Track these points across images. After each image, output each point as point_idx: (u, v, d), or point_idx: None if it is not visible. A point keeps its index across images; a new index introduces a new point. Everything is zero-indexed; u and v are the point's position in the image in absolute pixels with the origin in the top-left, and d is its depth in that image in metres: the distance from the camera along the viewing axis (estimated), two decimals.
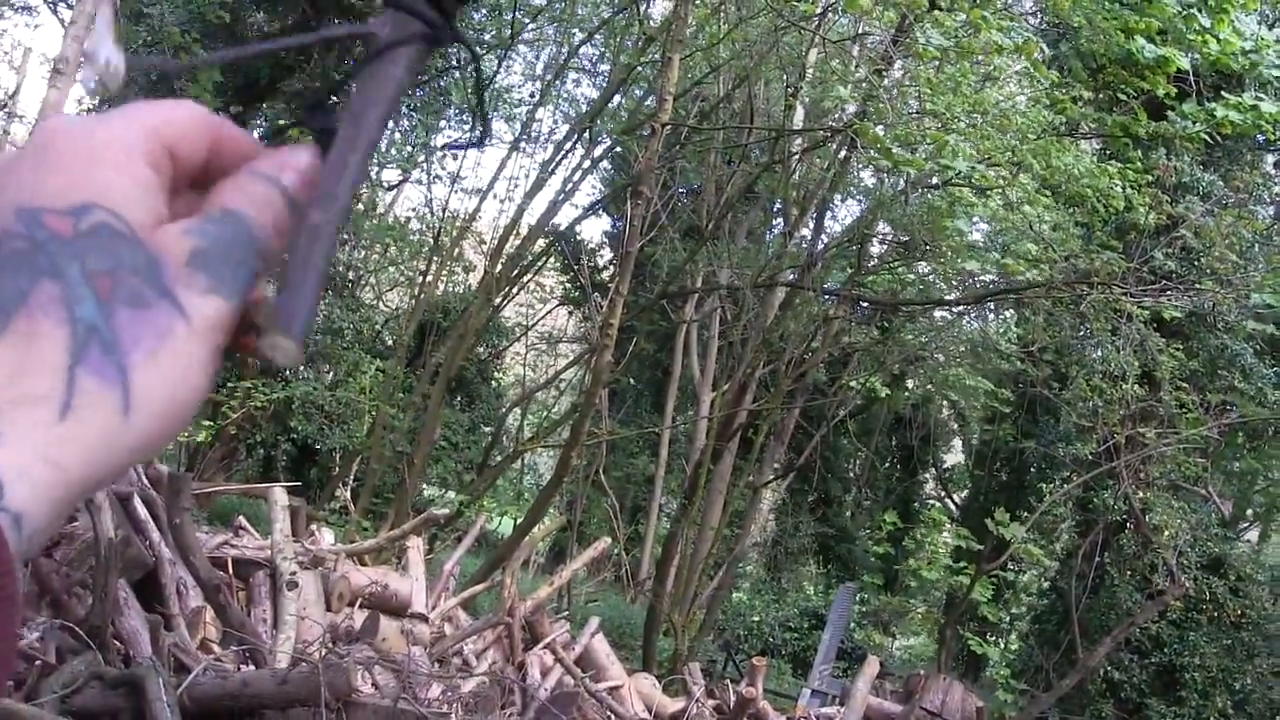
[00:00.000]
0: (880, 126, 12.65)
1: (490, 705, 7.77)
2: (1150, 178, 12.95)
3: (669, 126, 13.63)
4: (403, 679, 6.96)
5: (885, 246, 19.38)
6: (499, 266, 17.91)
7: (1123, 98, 12.13)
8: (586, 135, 19.64)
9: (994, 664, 23.95)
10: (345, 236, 20.45)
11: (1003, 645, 25.36)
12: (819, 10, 15.09)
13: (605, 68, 22.96)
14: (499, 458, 21.76)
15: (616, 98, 19.67)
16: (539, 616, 9.39)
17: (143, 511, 7.10)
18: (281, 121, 0.71)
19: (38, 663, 5.27)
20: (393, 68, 0.65)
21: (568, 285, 28.87)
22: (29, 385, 0.51)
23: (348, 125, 0.64)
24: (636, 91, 19.83)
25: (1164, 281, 14.02)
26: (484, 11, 22.10)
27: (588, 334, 26.14)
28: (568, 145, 19.35)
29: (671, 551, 16.17)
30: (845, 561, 28.88)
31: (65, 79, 7.99)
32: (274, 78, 18.15)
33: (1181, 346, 15.35)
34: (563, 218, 21.51)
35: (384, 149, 23.35)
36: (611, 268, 27.15)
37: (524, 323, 28.23)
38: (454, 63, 21.10)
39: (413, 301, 22.46)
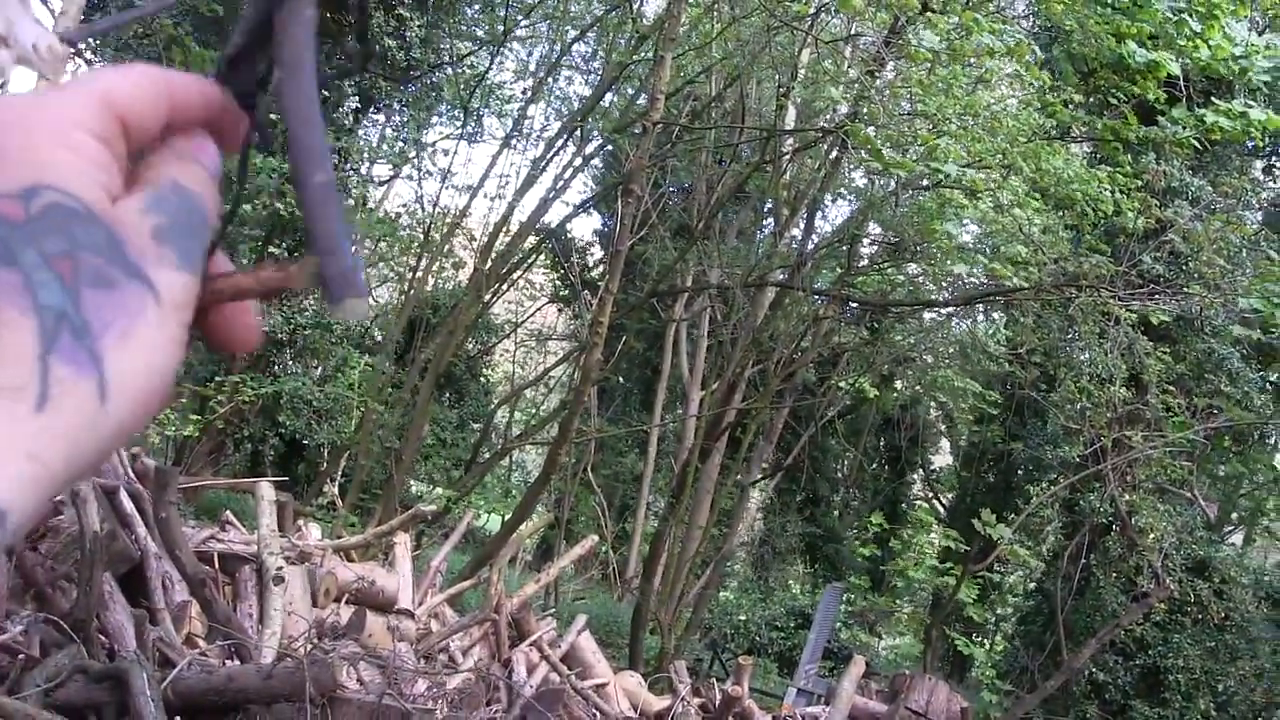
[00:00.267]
0: (871, 128, 12.66)
1: (475, 702, 7.77)
2: (1139, 182, 12.98)
3: (660, 125, 13.62)
4: (388, 675, 6.95)
5: (875, 247, 19.41)
6: (489, 263, 17.89)
7: (1113, 102, 12.17)
8: (578, 133, 19.63)
9: (979, 664, 24.01)
10: None
11: (988, 646, 25.43)
12: (812, 10, 15.10)
13: (597, 65, 22.97)
14: (487, 454, 21.74)
15: (608, 96, 19.66)
16: (525, 614, 9.38)
17: (129, 505, 7.08)
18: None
19: (21, 656, 5.26)
20: (306, 8, 0.62)
21: (557, 283, 28.88)
22: (3, 377, 0.50)
23: (293, 77, 0.61)
24: (628, 89, 19.83)
25: (1152, 285, 14.06)
26: (477, 7, 22.12)
27: (577, 331, 26.15)
28: (559, 143, 19.35)
29: (659, 550, 16.18)
30: (832, 561, 28.95)
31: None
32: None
33: (1169, 350, 15.39)
34: (553, 215, 21.51)
35: (375, 144, 23.35)
36: (601, 266, 27.17)
37: (513, 320, 28.22)
38: (446, 58, 21.11)
39: (402, 297, 22.44)
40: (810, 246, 17.61)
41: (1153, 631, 18.61)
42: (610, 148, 22.05)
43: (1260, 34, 11.79)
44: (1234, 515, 28.21)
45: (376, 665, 7.17)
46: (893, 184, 15.38)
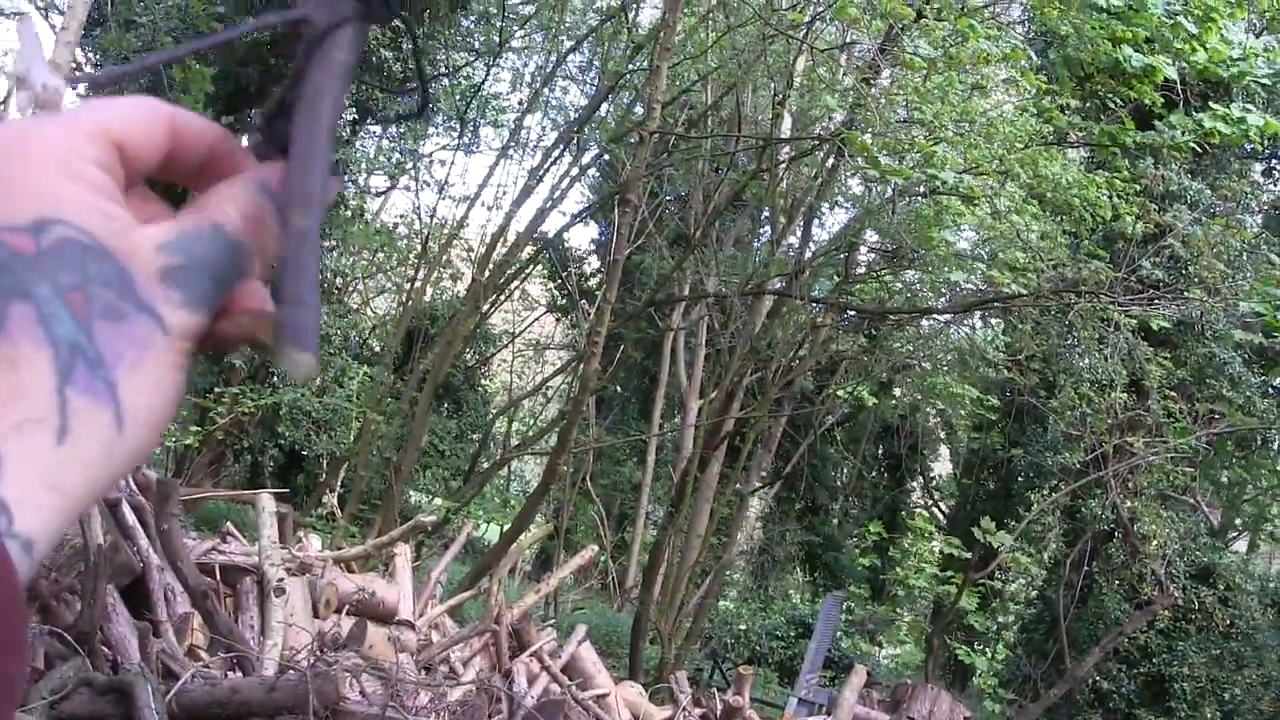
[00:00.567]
0: (868, 135, 12.66)
1: (477, 713, 7.74)
2: (1138, 186, 12.99)
3: (657, 135, 13.63)
4: (390, 687, 6.93)
5: (873, 255, 19.42)
6: (487, 273, 17.89)
7: (1110, 106, 12.16)
8: (574, 143, 19.64)
9: (981, 673, 23.93)
10: (333, 242, 20.43)
11: (990, 655, 25.37)
12: (807, 19, 15.13)
13: (593, 75, 22.99)
14: (486, 465, 21.72)
15: (604, 105, 19.68)
16: (525, 624, 9.36)
17: (131, 517, 7.06)
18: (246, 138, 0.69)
19: (26, 669, 5.23)
20: (336, 52, 0.63)
21: (555, 292, 28.87)
22: (23, 410, 0.50)
23: (304, 119, 0.62)
24: (624, 99, 19.84)
25: (1152, 290, 14.06)
26: (473, 19, 22.14)
27: (575, 341, 26.14)
28: (556, 152, 19.36)
29: (658, 559, 16.16)
30: (832, 570, 28.91)
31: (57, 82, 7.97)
32: (263, 85, 18.12)
33: (1169, 355, 15.38)
34: (550, 225, 21.51)
35: (372, 155, 23.37)
36: (599, 275, 27.18)
37: (511, 330, 28.21)
38: (442, 70, 21.12)
39: (400, 308, 22.44)
40: (808, 254, 17.63)
41: (1157, 639, 18.57)
42: (607, 157, 22.08)
43: (1258, 36, 11.79)
44: (1237, 521, 28.18)
45: (378, 677, 7.15)
46: (890, 191, 15.41)
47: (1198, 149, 11.95)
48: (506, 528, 15.31)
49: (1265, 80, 10.64)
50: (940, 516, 29.75)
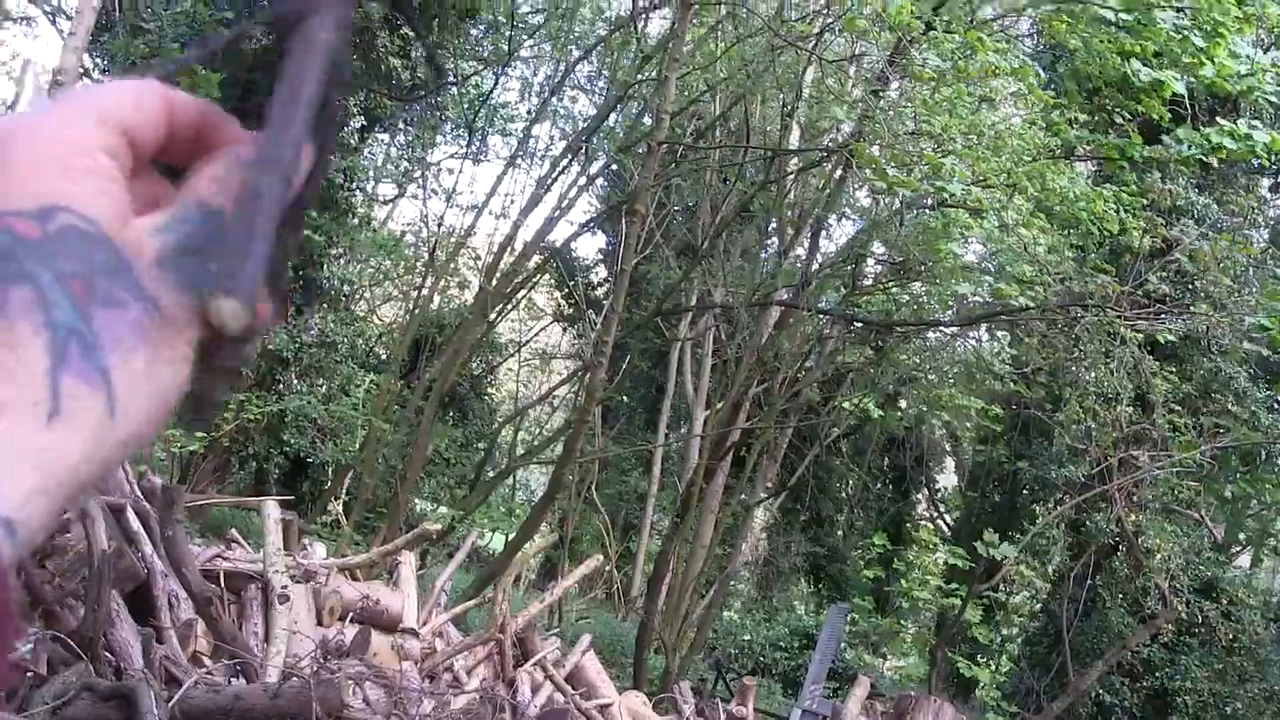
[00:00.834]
0: (876, 147, 12.67)
1: None
2: (1145, 201, 12.97)
3: (665, 145, 13.64)
4: (394, 695, 6.94)
5: (880, 267, 19.40)
6: (494, 282, 17.91)
7: (1118, 120, 12.15)
8: (583, 152, 19.66)
9: (985, 686, 23.86)
10: (340, 249, 20.47)
11: (994, 667, 25.28)
12: (816, 30, 15.14)
13: (602, 85, 23.01)
14: (491, 473, 21.71)
15: (613, 115, 19.71)
16: (530, 633, 9.36)
17: (135, 523, 7.07)
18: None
19: (29, 674, 5.24)
20: (320, 31, 0.64)
21: (562, 302, 28.87)
22: (13, 391, 0.51)
23: (283, 92, 0.63)
24: (633, 109, 19.86)
25: (1158, 305, 14.03)
26: (482, 28, 22.17)
27: (581, 351, 26.14)
28: (564, 162, 19.37)
29: (663, 569, 16.14)
30: (837, 581, 28.85)
31: (65, 90, 7.99)
32: (271, 91, 18.15)
33: (1175, 369, 15.35)
34: (558, 234, 21.52)
35: (380, 163, 23.40)
36: (606, 285, 27.18)
37: (517, 339, 28.21)
38: (451, 79, 21.15)
39: (407, 316, 22.45)
40: (815, 266, 17.61)
41: (1160, 653, 18.52)
42: (615, 167, 22.08)
43: (1266, 51, 11.79)
44: (1241, 536, 28.07)
45: (382, 685, 7.15)
46: (897, 203, 15.40)
47: (1205, 164, 11.94)
48: (512, 537, 15.30)
49: (1273, 96, 10.63)
50: (945, 529, 29.70)
